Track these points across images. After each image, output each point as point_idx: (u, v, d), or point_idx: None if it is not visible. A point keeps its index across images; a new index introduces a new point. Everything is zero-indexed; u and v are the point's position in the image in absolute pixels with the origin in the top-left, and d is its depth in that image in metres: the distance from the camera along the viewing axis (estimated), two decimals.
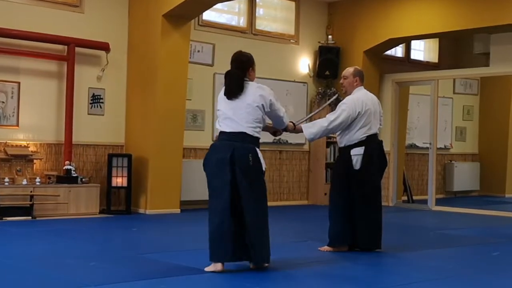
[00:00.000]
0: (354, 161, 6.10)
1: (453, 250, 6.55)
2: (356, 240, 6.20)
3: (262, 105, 5.16)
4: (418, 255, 6.25)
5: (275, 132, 5.79)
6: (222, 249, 5.08)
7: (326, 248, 6.27)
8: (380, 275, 5.35)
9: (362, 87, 6.32)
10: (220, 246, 5.08)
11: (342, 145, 6.22)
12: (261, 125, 5.23)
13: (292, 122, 5.85)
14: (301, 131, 6.08)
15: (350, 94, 6.28)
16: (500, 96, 13.12)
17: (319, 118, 6.41)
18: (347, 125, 6.12)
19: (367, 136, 6.15)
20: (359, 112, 6.10)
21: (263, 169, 5.16)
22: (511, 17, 9.45)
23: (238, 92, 5.16)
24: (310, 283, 4.96)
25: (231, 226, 5.06)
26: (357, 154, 6.11)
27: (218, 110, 5.30)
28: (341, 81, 6.40)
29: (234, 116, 5.15)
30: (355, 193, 6.13)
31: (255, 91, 5.18)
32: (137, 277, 4.92)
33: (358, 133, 6.13)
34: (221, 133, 5.24)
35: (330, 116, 6.11)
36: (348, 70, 6.38)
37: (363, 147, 6.11)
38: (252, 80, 5.28)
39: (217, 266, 5.09)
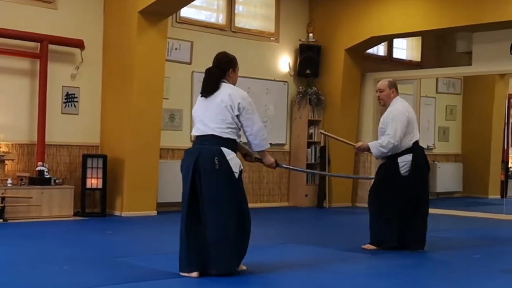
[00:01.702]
0: (401, 168, 6.52)
1: (433, 253, 6.59)
2: (402, 241, 6.54)
3: (230, 105, 5.06)
4: (396, 257, 6.29)
5: (245, 155, 5.51)
6: (184, 260, 5.10)
7: (369, 246, 6.64)
8: (358, 279, 5.37)
9: (399, 97, 6.71)
10: (181, 256, 5.12)
11: (389, 153, 6.53)
12: (233, 126, 5.10)
13: (276, 161, 5.50)
14: (367, 150, 6.64)
15: (388, 105, 6.68)
16: (483, 96, 13.22)
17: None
18: None
19: (413, 144, 6.57)
20: (407, 120, 6.50)
21: (236, 171, 5.06)
22: (494, 16, 9.54)
23: (211, 91, 5.13)
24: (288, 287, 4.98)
25: (190, 237, 5.05)
26: (404, 161, 6.52)
27: (193, 114, 5.29)
28: (378, 94, 6.76)
29: (205, 117, 5.12)
30: (403, 197, 6.51)
31: (226, 91, 5.13)
32: (111, 282, 4.90)
33: (405, 141, 6.51)
34: (195, 137, 5.23)
35: (390, 133, 6.45)
36: (383, 83, 6.73)
37: (411, 154, 6.52)
38: (233, 82, 5.26)
39: (192, 273, 5.08)
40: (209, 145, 5.05)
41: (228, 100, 5.07)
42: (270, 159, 5.42)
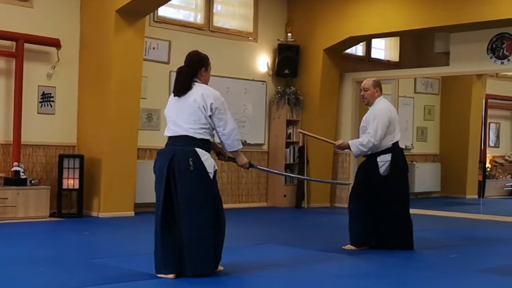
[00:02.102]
0: (380, 168, 6.59)
1: (412, 253, 6.62)
2: (383, 241, 6.63)
3: (203, 106, 5.03)
4: (375, 257, 6.32)
5: (218, 154, 5.51)
6: (160, 261, 5.08)
7: (350, 247, 6.66)
8: (337, 279, 5.38)
9: (382, 96, 6.80)
10: (157, 258, 5.11)
11: (369, 152, 6.60)
12: (207, 126, 5.08)
13: (250, 162, 5.46)
14: (347, 148, 6.65)
15: (371, 104, 6.75)
16: (461, 96, 13.31)
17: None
18: None
19: (393, 144, 6.64)
20: (389, 121, 6.57)
21: (211, 171, 5.05)
22: (472, 16, 9.61)
23: (184, 90, 5.10)
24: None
25: (165, 239, 5.03)
26: (383, 161, 6.59)
27: (165, 114, 5.26)
28: (362, 93, 6.83)
29: (177, 118, 5.10)
30: (383, 197, 6.57)
31: (198, 91, 5.09)
32: (87, 283, 4.88)
33: (385, 141, 6.58)
34: (168, 138, 5.21)
35: (371, 132, 6.50)
36: (368, 82, 6.80)
37: (390, 154, 6.59)
38: (205, 81, 5.24)
39: (168, 275, 5.06)
40: (182, 146, 5.04)
41: (201, 100, 5.04)
42: (243, 159, 5.40)
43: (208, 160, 5.07)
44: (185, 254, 5.02)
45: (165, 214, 5.05)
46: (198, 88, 5.11)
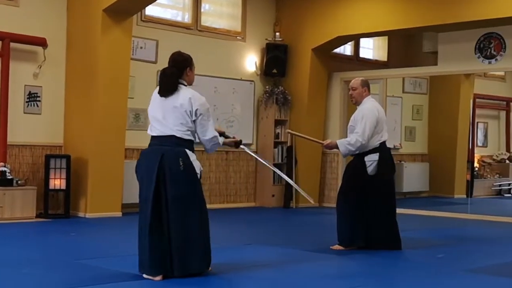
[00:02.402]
0: (368, 167, 6.60)
1: (399, 253, 6.64)
2: (371, 241, 6.64)
3: (190, 111, 5.08)
4: (363, 257, 6.33)
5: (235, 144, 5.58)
6: (147, 263, 5.07)
7: (337, 247, 6.68)
8: (325, 280, 5.38)
9: (370, 96, 6.83)
10: (143, 260, 5.11)
11: (357, 152, 6.63)
12: (192, 129, 5.13)
13: (240, 141, 5.53)
14: (335, 147, 6.70)
15: (359, 104, 6.77)
16: (449, 96, 13.34)
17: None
18: None
19: (380, 143, 6.66)
20: (376, 120, 6.59)
21: (198, 172, 5.12)
22: (459, 16, 9.64)
23: (171, 91, 5.13)
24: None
25: (154, 240, 5.03)
26: (371, 160, 6.61)
27: (149, 113, 5.26)
28: (350, 92, 6.84)
29: (164, 119, 5.12)
30: (370, 197, 6.60)
31: (186, 95, 5.12)
32: (72, 284, 4.86)
33: (373, 141, 6.61)
34: (152, 137, 5.21)
35: (359, 131, 6.53)
36: (356, 81, 6.82)
37: (377, 154, 6.61)
38: (189, 81, 5.27)
39: (156, 277, 5.04)
40: (171, 146, 5.06)
41: (188, 105, 5.08)
42: (231, 144, 5.54)
43: (195, 161, 5.14)
44: (175, 255, 5.01)
45: (154, 215, 5.04)
46: (186, 92, 5.15)
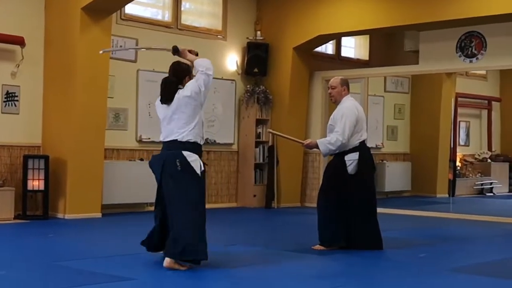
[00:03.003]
0: (348, 166, 6.63)
1: (381, 252, 6.66)
2: (352, 241, 6.65)
3: (196, 103, 5.55)
4: (344, 257, 6.35)
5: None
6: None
7: (319, 247, 6.67)
8: (306, 280, 5.38)
9: (350, 95, 6.86)
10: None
11: (337, 151, 6.66)
12: (192, 124, 5.56)
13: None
14: (316, 147, 6.74)
15: (339, 103, 6.79)
16: (431, 95, 13.42)
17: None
18: None
19: (360, 142, 6.70)
20: (356, 119, 6.62)
21: (198, 171, 5.52)
22: (440, 14, 9.69)
23: (171, 99, 5.63)
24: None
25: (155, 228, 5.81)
26: (351, 159, 6.64)
27: (159, 118, 5.79)
28: (329, 91, 6.88)
29: (168, 124, 5.66)
30: (351, 196, 6.62)
31: (182, 95, 5.59)
32: (50, 287, 4.81)
33: (352, 140, 6.64)
34: (162, 142, 5.78)
35: (339, 130, 6.56)
36: (335, 80, 6.87)
37: (357, 153, 6.64)
38: None
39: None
40: (172, 150, 5.59)
41: (189, 101, 5.54)
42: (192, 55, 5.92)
43: (195, 161, 5.55)
44: (171, 236, 5.52)
45: (159, 209, 5.76)
46: (179, 94, 5.63)
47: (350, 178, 6.64)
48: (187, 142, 5.56)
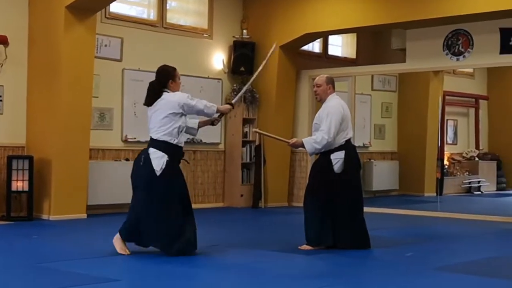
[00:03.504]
0: (334, 165, 6.65)
1: (366, 251, 6.68)
2: (339, 240, 6.68)
3: (174, 112, 6.01)
4: (331, 257, 6.37)
5: (212, 122, 6.49)
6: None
7: (306, 247, 6.69)
8: (293, 280, 5.40)
9: (335, 93, 6.89)
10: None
11: (323, 150, 6.68)
12: (168, 130, 6.01)
13: (229, 103, 6.56)
14: (302, 146, 6.77)
15: (324, 101, 6.83)
16: (418, 93, 13.47)
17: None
18: None
19: (346, 141, 6.73)
20: (342, 117, 6.64)
21: (156, 168, 5.96)
22: (427, 12, 9.73)
23: (152, 101, 6.09)
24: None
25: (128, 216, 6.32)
26: (337, 158, 6.66)
27: None
28: (315, 89, 6.92)
29: (150, 124, 6.13)
30: (338, 195, 6.64)
31: (164, 98, 6.05)
32: None
33: (338, 138, 6.66)
34: None
35: (324, 129, 6.58)
36: (321, 78, 6.90)
37: (343, 151, 6.66)
38: (175, 90, 6.16)
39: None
40: (148, 147, 6.10)
41: (167, 105, 6.02)
42: (225, 108, 6.47)
43: (157, 158, 5.99)
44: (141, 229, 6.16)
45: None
46: (165, 97, 6.08)
47: (336, 177, 6.65)
48: (157, 140, 6.03)
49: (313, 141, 6.65)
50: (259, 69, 7.15)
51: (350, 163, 6.70)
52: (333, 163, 6.65)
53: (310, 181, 6.90)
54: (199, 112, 6.21)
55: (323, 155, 6.74)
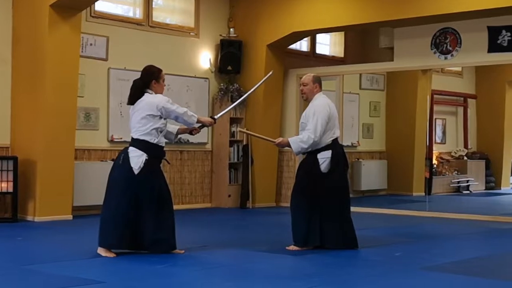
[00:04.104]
0: (321, 165, 6.65)
1: (354, 252, 6.69)
2: (326, 240, 6.69)
3: (150, 110, 6.08)
4: (318, 257, 6.38)
5: (191, 131, 6.52)
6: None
7: (293, 247, 6.71)
8: (278, 281, 5.40)
9: (321, 92, 6.90)
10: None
11: (309, 149, 6.68)
12: (147, 131, 6.10)
13: (212, 117, 6.59)
14: (288, 145, 6.77)
15: (310, 100, 6.85)
16: (406, 92, 13.50)
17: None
18: None
19: (333, 140, 6.73)
20: (328, 116, 6.66)
21: (135, 167, 6.05)
22: (415, 10, 9.75)
23: (133, 101, 6.18)
24: None
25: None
26: (324, 157, 6.67)
27: None
28: (301, 88, 6.93)
29: (131, 123, 6.21)
30: (324, 195, 6.64)
31: (145, 99, 6.13)
32: None
33: (325, 138, 6.67)
34: None
35: (311, 128, 6.59)
36: (308, 77, 6.92)
37: (330, 151, 6.67)
38: (158, 92, 6.23)
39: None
40: (129, 146, 6.20)
41: (147, 106, 6.09)
42: (207, 120, 6.54)
43: (136, 157, 6.09)
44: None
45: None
46: (146, 98, 6.16)
47: (323, 177, 6.65)
48: (137, 139, 6.13)
49: (299, 140, 6.65)
50: (250, 91, 7.31)
51: (337, 163, 6.70)
52: (320, 163, 6.64)
53: (296, 180, 6.90)
54: (178, 119, 6.23)
55: (310, 155, 6.74)
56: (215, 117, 6.62)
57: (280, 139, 7.04)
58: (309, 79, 6.86)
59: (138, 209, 6.11)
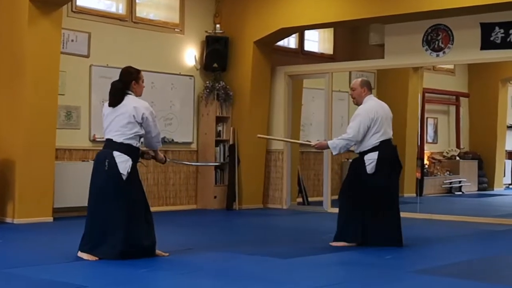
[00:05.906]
0: (367, 166, 7.05)
1: (344, 254, 6.74)
2: (369, 238, 7.10)
3: (134, 116, 6.14)
4: (306, 260, 6.40)
5: (142, 154, 6.51)
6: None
7: (339, 243, 7.13)
8: (266, 284, 5.42)
9: (371, 95, 7.38)
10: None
11: (358, 151, 7.18)
12: (131, 134, 6.15)
13: (165, 157, 6.72)
14: (326, 147, 7.24)
15: (360, 104, 7.27)
16: (397, 90, 13.51)
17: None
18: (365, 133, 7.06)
19: (381, 142, 7.11)
20: (372, 119, 7.07)
21: (123, 172, 6.08)
22: (406, 6, 9.80)
23: (116, 102, 6.20)
24: None
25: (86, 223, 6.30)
26: (371, 159, 7.06)
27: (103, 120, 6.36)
28: (351, 93, 7.40)
29: (110, 125, 6.22)
30: (368, 195, 7.05)
31: (130, 103, 6.17)
32: None
33: (372, 139, 7.08)
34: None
35: (350, 128, 7.07)
36: (356, 82, 7.39)
37: (377, 152, 7.05)
38: (137, 93, 6.32)
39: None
40: (107, 149, 6.20)
41: (133, 111, 6.13)
42: (161, 156, 6.63)
43: (123, 162, 6.10)
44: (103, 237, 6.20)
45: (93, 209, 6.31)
46: (130, 101, 6.21)
47: (368, 177, 7.04)
48: (122, 144, 6.14)
49: (337, 139, 7.15)
50: (195, 163, 7.82)
51: (383, 164, 7.04)
52: (366, 164, 7.04)
53: (344, 180, 7.47)
54: (148, 134, 6.28)
55: (359, 156, 7.15)
56: (169, 159, 6.87)
57: (318, 142, 7.60)
58: (356, 84, 7.31)
59: (129, 214, 6.13)
